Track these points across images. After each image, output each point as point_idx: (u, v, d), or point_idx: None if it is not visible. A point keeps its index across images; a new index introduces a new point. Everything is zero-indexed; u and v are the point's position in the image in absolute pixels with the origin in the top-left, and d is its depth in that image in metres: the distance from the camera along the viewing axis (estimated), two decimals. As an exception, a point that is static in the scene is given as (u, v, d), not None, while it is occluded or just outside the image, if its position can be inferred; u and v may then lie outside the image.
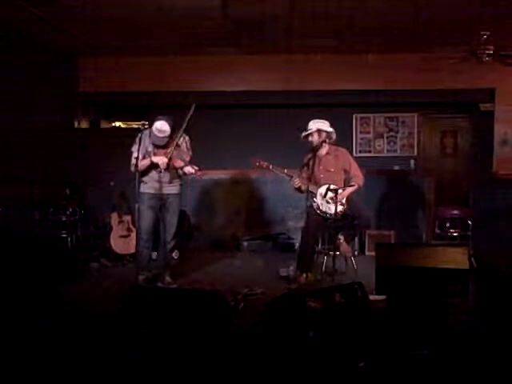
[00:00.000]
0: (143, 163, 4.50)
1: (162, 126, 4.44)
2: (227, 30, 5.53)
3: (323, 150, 4.96)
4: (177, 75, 6.69)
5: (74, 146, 6.61)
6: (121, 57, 6.71)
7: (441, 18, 5.14)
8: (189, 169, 4.54)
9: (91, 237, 6.45)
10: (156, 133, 4.45)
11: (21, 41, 5.56)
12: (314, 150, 4.89)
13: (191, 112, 4.50)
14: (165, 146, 4.56)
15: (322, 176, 4.91)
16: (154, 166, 4.57)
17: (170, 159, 4.52)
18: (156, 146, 4.58)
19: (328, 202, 4.78)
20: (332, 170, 4.94)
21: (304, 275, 4.83)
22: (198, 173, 4.55)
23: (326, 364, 2.83)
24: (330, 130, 4.93)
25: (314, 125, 4.89)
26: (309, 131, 4.87)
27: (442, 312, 3.47)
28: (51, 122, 6.32)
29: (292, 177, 4.84)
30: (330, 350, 2.92)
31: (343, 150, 5.11)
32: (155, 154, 4.56)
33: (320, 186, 4.85)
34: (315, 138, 4.89)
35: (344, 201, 4.82)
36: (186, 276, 5.23)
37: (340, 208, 4.70)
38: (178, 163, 4.57)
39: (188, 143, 4.73)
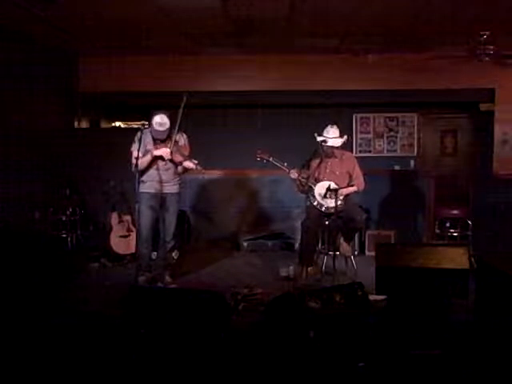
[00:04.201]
0: (144, 160, 4.50)
1: (161, 119, 4.45)
2: (227, 29, 5.53)
3: (332, 154, 5.02)
4: (177, 75, 6.69)
5: (73, 146, 6.60)
6: (121, 57, 6.70)
7: (441, 18, 5.13)
8: (188, 163, 4.53)
9: (91, 237, 6.45)
10: (157, 127, 4.46)
11: (21, 41, 5.56)
12: (327, 155, 4.96)
13: (183, 103, 4.51)
14: (164, 141, 4.56)
15: (326, 179, 4.95)
16: (156, 159, 4.56)
17: (171, 153, 4.52)
18: (156, 143, 4.59)
19: (327, 198, 4.81)
20: (337, 173, 5.02)
21: (307, 269, 4.85)
22: (198, 167, 4.53)
23: (325, 364, 2.83)
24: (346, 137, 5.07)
25: (337, 135, 4.96)
26: (332, 144, 4.91)
27: (442, 312, 3.47)
28: (51, 122, 6.33)
29: (291, 169, 4.86)
30: (329, 350, 2.92)
31: (349, 153, 5.29)
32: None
33: (319, 182, 4.89)
34: (333, 149, 4.98)
35: (342, 197, 4.85)
36: (185, 276, 5.24)
37: (339, 203, 4.73)
38: (178, 158, 4.57)
39: (186, 140, 4.73)
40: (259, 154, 4.98)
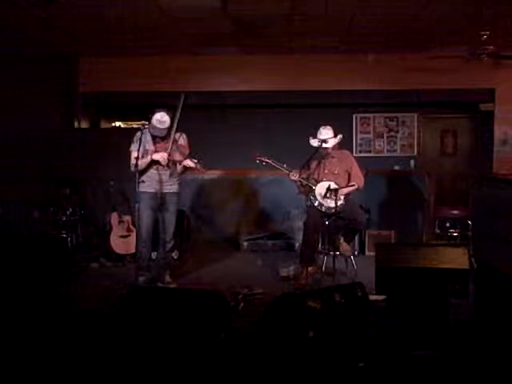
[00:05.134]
0: (143, 161, 4.51)
1: (162, 117, 4.47)
2: (227, 30, 5.53)
3: (329, 154, 5.02)
4: (176, 75, 6.69)
5: (73, 146, 6.60)
6: (121, 57, 6.71)
7: (441, 18, 5.14)
8: (188, 162, 4.54)
9: (91, 237, 6.45)
10: (157, 124, 4.47)
11: (21, 40, 5.55)
12: (323, 156, 4.97)
13: (182, 101, 4.53)
14: (164, 139, 4.57)
15: (325, 180, 4.95)
16: (154, 163, 4.57)
17: (169, 155, 4.53)
18: (155, 143, 4.59)
19: (327, 198, 4.81)
20: (336, 172, 5.02)
21: (307, 269, 4.85)
22: (199, 166, 4.53)
23: (325, 364, 2.83)
24: (341, 136, 5.04)
25: (332, 135, 4.95)
26: (326, 143, 4.91)
27: (442, 312, 3.47)
28: (51, 121, 6.32)
29: (291, 171, 4.86)
30: (329, 350, 2.92)
31: (347, 152, 5.24)
32: (155, 151, 4.57)
33: (319, 182, 4.89)
34: (329, 149, 4.98)
35: (342, 197, 4.85)
36: (185, 276, 5.24)
37: (340, 203, 4.73)
38: (177, 157, 4.57)
39: (186, 139, 4.74)
40: (258, 157, 4.98)
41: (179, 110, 4.53)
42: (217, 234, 7.18)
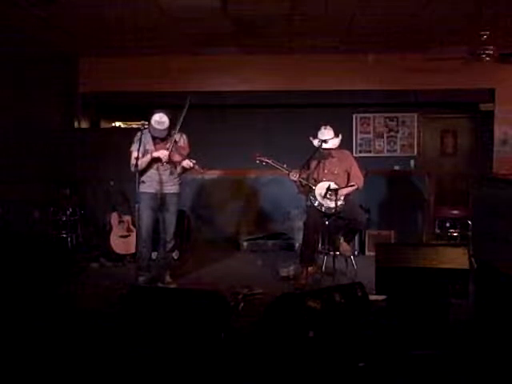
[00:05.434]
0: (143, 160, 4.51)
1: (161, 118, 4.47)
2: (227, 30, 5.53)
3: (329, 154, 5.03)
4: (176, 75, 6.70)
5: (73, 146, 6.60)
6: (121, 57, 6.71)
7: (441, 18, 5.14)
8: (187, 162, 4.55)
9: (91, 237, 6.45)
10: (156, 125, 4.47)
11: (21, 40, 5.55)
12: (323, 156, 4.97)
13: (187, 105, 4.53)
14: (164, 139, 4.57)
15: (325, 180, 4.95)
16: (154, 161, 4.57)
17: (169, 154, 4.53)
18: (155, 143, 4.60)
19: (327, 198, 4.81)
20: (336, 172, 5.03)
21: (307, 269, 4.85)
22: (197, 167, 4.54)
23: (325, 364, 2.83)
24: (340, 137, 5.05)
25: (332, 135, 4.95)
26: (326, 143, 4.91)
27: (442, 312, 3.47)
28: (51, 121, 6.33)
29: (290, 171, 4.87)
30: (329, 350, 2.92)
31: (347, 152, 5.24)
32: (155, 151, 4.57)
33: (319, 182, 4.89)
34: (329, 149, 4.98)
35: (342, 197, 4.85)
36: (185, 276, 5.24)
37: (339, 203, 4.73)
38: (177, 157, 4.58)
39: (186, 140, 4.74)
40: (258, 157, 4.99)
41: (184, 111, 4.53)
42: (217, 234, 7.18)
